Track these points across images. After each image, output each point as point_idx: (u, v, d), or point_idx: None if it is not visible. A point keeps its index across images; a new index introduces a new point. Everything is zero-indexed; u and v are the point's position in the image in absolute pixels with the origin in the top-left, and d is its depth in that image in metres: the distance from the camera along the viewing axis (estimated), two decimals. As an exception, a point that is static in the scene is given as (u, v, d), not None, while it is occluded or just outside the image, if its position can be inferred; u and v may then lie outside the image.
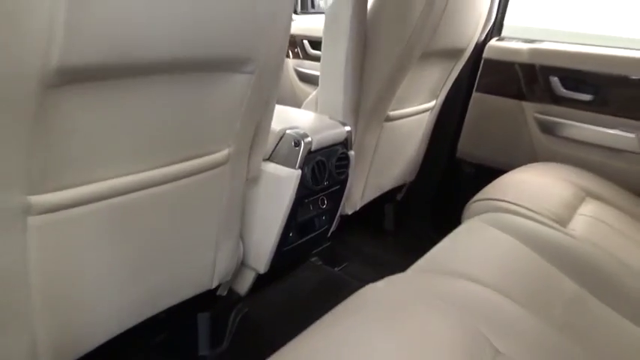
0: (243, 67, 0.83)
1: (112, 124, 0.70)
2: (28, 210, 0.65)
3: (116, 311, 0.88)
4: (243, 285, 1.26)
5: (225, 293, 1.24)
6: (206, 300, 1.17)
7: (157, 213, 0.86)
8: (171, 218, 0.89)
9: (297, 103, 1.58)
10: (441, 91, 1.71)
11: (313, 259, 1.58)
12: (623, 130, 1.58)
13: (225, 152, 0.93)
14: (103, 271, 0.81)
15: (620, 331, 0.93)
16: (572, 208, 1.33)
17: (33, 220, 0.67)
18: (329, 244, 1.62)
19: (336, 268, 1.61)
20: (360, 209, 1.60)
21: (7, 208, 0.63)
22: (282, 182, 1.12)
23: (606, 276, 1.06)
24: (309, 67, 2.46)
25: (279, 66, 0.92)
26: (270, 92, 0.95)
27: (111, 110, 0.69)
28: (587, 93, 1.64)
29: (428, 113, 1.71)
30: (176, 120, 0.80)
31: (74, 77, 0.59)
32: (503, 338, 0.75)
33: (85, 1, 0.54)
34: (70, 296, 0.77)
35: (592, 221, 1.29)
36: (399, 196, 1.95)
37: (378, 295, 0.81)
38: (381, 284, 0.85)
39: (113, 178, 0.75)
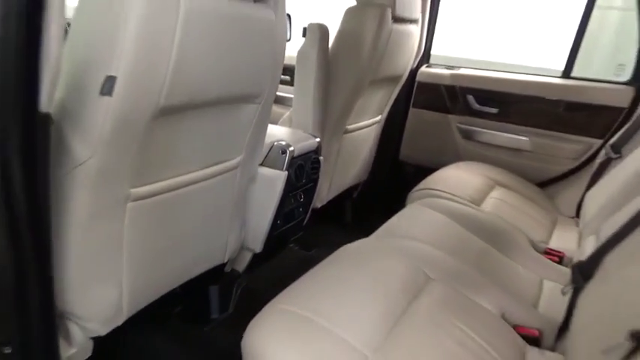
0: (254, 99, 1.21)
1: (176, 141, 1.05)
2: (128, 198, 1.00)
3: (167, 274, 1.22)
4: (242, 263, 1.61)
5: (229, 270, 1.59)
6: (215, 276, 1.52)
7: (195, 203, 1.21)
8: (203, 207, 1.25)
9: (271, 120, 1.96)
10: (385, 108, 2.15)
11: (291, 245, 1.95)
12: (520, 135, 2.09)
13: (238, 159, 1.29)
14: (163, 243, 1.15)
15: (512, 271, 1.38)
16: (485, 193, 1.80)
17: (129, 206, 1.01)
18: (302, 233, 2.00)
19: (310, 252, 1.99)
20: (326, 205, 1.99)
21: (118, 196, 0.97)
22: (273, 181, 1.49)
23: (505, 237, 1.52)
24: (278, 90, 2.83)
25: (274, 95, 1.30)
26: (267, 115, 1.33)
27: (177, 132, 1.04)
28: (494, 107, 2.14)
29: (376, 126, 2.14)
30: (212, 137, 1.16)
31: (166, 112, 0.95)
32: (434, 271, 1.17)
33: (180, 67, 0.90)
34: (144, 260, 1.11)
35: (498, 202, 1.76)
36: (355, 194, 2.36)
37: (352, 251, 1.21)
38: (352, 245, 1.25)
39: (172, 177, 1.10)
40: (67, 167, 0.87)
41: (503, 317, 1.11)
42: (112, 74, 0.81)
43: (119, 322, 1.11)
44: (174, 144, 1.05)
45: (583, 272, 1.04)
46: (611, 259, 0.99)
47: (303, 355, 0.82)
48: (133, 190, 1.00)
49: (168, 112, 0.96)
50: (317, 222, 2.00)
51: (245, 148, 1.30)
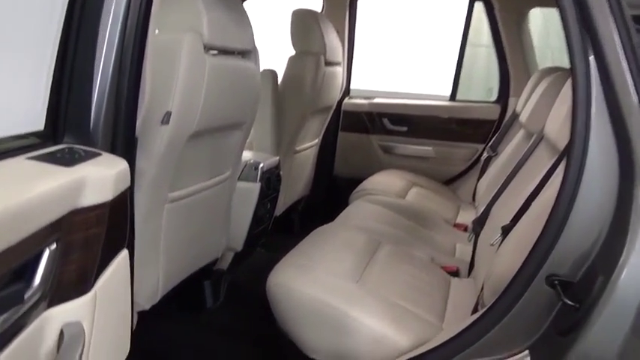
0: (241, 125, 1.63)
1: (195, 156, 1.44)
2: (166, 200, 1.37)
3: (187, 263, 1.57)
4: (226, 262, 1.98)
5: (216, 268, 1.95)
6: (207, 273, 1.87)
7: (204, 207, 1.58)
8: (208, 211, 1.62)
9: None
10: (321, 132, 2.65)
11: (259, 249, 2.34)
12: (425, 146, 2.70)
13: (228, 173, 1.69)
14: (186, 238, 1.51)
15: (433, 238, 1.90)
16: (405, 191, 2.35)
17: (167, 207, 1.38)
18: (265, 239, 2.39)
19: (275, 254, 2.38)
20: (278, 217, 2.38)
21: (162, 198, 1.34)
22: (250, 192, 1.89)
23: (425, 216, 2.05)
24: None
25: (252, 123, 1.73)
26: (246, 139, 1.75)
27: (195, 150, 1.43)
28: (404, 126, 2.74)
29: (314, 147, 2.63)
30: (214, 154, 1.56)
31: (193, 135, 1.35)
32: (382, 238, 1.64)
33: (206, 103, 1.31)
34: (173, 250, 1.46)
35: (416, 195, 2.31)
36: (300, 207, 2.81)
37: (324, 230, 1.66)
38: (323, 227, 1.69)
39: (192, 185, 1.48)
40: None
41: (432, 261, 1.61)
42: (169, 110, 1.21)
43: (156, 299, 1.44)
44: (194, 159, 1.44)
45: (478, 222, 1.59)
46: (493, 210, 1.54)
47: (311, 284, 1.24)
48: (170, 194, 1.37)
49: (196, 135, 1.36)
50: (273, 232, 2.39)
51: (232, 165, 1.71)
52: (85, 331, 0.72)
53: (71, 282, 0.72)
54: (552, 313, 0.88)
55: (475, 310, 1.17)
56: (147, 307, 1.40)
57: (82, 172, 0.73)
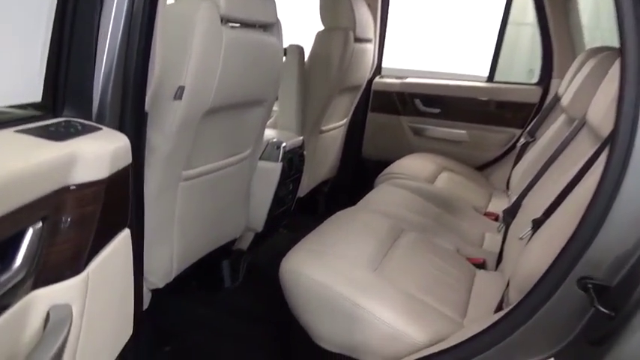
0: (262, 103, 1.57)
1: (211, 134, 1.40)
2: (181, 178, 1.33)
3: (201, 243, 1.54)
4: (246, 242, 1.95)
5: (236, 248, 1.92)
6: (225, 253, 1.85)
7: (220, 187, 1.54)
8: (225, 191, 1.58)
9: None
10: (349, 112, 2.56)
11: (280, 229, 2.31)
12: (459, 129, 2.57)
13: (248, 152, 1.64)
14: (201, 217, 1.48)
15: (461, 226, 1.81)
16: (435, 176, 2.24)
17: (181, 185, 1.34)
18: (288, 221, 2.35)
19: (297, 235, 2.34)
20: (303, 199, 2.33)
21: (176, 176, 1.30)
22: (271, 171, 1.85)
23: (454, 204, 1.95)
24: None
25: (274, 101, 1.67)
26: (268, 117, 1.70)
27: (212, 128, 1.38)
28: (437, 108, 2.62)
29: (342, 128, 2.55)
30: (232, 132, 1.51)
31: (210, 111, 1.30)
32: (406, 225, 1.57)
33: (222, 79, 1.25)
34: (188, 229, 1.43)
35: (446, 181, 2.20)
36: (326, 188, 2.75)
37: (344, 214, 1.59)
38: (343, 211, 1.63)
39: (207, 164, 1.44)
40: (147, 152, 1.20)
41: (458, 252, 1.53)
42: (182, 84, 1.16)
43: (170, 278, 1.42)
44: (211, 137, 1.40)
45: (509, 213, 1.48)
46: (526, 201, 1.44)
47: (324, 271, 1.18)
48: (185, 172, 1.33)
49: (211, 112, 1.31)
50: (298, 212, 2.35)
51: (253, 143, 1.66)
52: (75, 314, 0.69)
53: (60, 262, 0.68)
54: (584, 319, 0.79)
55: (499, 308, 1.09)
56: (160, 285, 1.38)
57: (73, 148, 0.69)
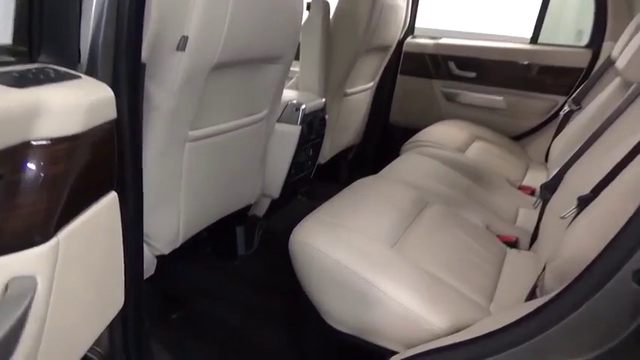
0: (278, 59, 1.44)
1: (222, 92, 1.28)
2: (187, 139, 1.23)
3: (211, 208, 1.45)
4: (262, 209, 1.86)
5: (251, 214, 1.83)
6: (240, 219, 1.77)
7: (233, 149, 1.44)
8: (238, 154, 1.48)
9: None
10: (377, 75, 2.40)
11: (299, 196, 2.21)
12: (495, 95, 2.38)
13: (264, 113, 1.53)
14: (210, 181, 1.39)
15: (492, 200, 1.66)
16: (467, 145, 2.08)
17: (187, 146, 1.24)
18: (308, 187, 2.25)
19: (316, 203, 2.24)
20: (325, 165, 2.22)
21: (181, 136, 1.20)
22: (289, 135, 1.73)
23: (486, 176, 1.80)
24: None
25: (292, 58, 1.53)
26: (286, 75, 1.56)
27: (222, 85, 1.27)
28: (472, 71, 2.42)
29: (369, 91, 2.39)
30: (246, 91, 1.39)
31: (219, 66, 1.18)
32: (432, 197, 1.44)
33: (231, 30, 1.13)
34: (195, 193, 1.34)
35: (478, 151, 2.04)
36: (350, 155, 2.62)
37: (365, 182, 1.47)
38: (364, 179, 1.50)
39: (217, 124, 1.33)
40: (147, 109, 1.10)
41: (488, 228, 1.39)
42: (186, 34, 1.04)
43: (177, 244, 1.34)
44: (220, 95, 1.28)
45: (548, 188, 1.33)
46: (568, 175, 1.28)
47: (337, 245, 1.07)
48: (191, 133, 1.23)
49: (220, 67, 1.19)
50: (318, 179, 2.24)
51: (269, 104, 1.54)
52: (42, 286, 0.61)
53: (22, 228, 0.59)
54: (637, 318, 0.66)
55: (532, 295, 0.96)
56: (166, 251, 1.31)
57: (37, 96, 0.59)
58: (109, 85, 0.90)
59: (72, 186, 0.65)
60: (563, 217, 0.94)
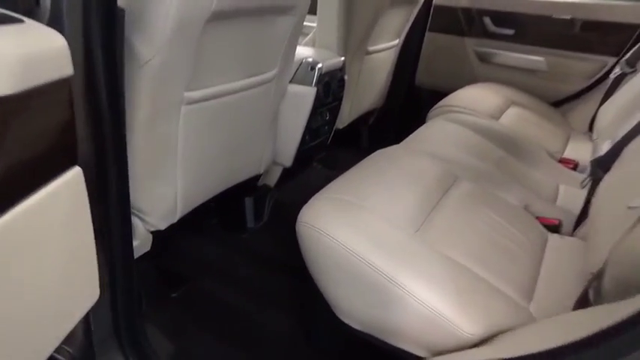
0: (290, 10, 1.25)
1: (223, 48, 1.11)
2: (182, 101, 1.07)
3: (213, 179, 1.31)
4: (273, 178, 1.71)
5: (262, 185, 1.69)
6: (249, 189, 1.63)
7: (238, 113, 1.28)
8: (244, 118, 1.32)
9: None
10: (402, 32, 2.17)
11: (315, 164, 2.05)
12: (535, 55, 2.13)
13: (274, 72, 1.35)
14: (211, 148, 1.24)
15: (530, 175, 1.48)
16: (501, 111, 1.87)
17: (183, 109, 1.08)
18: (325, 153, 2.08)
19: (333, 171, 2.09)
20: (343, 130, 2.05)
21: (174, 98, 1.05)
22: (303, 97, 1.56)
23: (523, 147, 1.61)
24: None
25: (307, 8, 1.34)
26: (299, 29, 1.38)
27: (224, 40, 1.10)
28: (511, 28, 2.17)
29: (393, 50, 2.18)
30: (252, 47, 1.21)
31: (217, 16, 1.00)
32: (461, 172, 1.26)
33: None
34: (194, 162, 1.19)
35: (514, 118, 1.84)
36: (371, 120, 2.43)
37: (386, 154, 1.30)
38: (385, 149, 1.33)
39: (219, 85, 1.16)
40: (131, 67, 0.94)
41: (526, 209, 1.22)
42: (174, -25, 0.87)
43: (174, 219, 1.21)
44: (221, 52, 1.11)
45: (601, 165, 1.14)
46: (627, 151, 1.08)
47: (350, 229, 0.92)
48: (187, 94, 1.07)
49: (219, 17, 1.01)
50: (336, 145, 2.08)
51: (279, 62, 1.36)
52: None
53: None
54: None
55: (584, 299, 0.79)
56: (162, 227, 1.18)
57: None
58: (79, 35, 0.75)
59: (7, 163, 0.51)
60: (631, 208, 0.77)
